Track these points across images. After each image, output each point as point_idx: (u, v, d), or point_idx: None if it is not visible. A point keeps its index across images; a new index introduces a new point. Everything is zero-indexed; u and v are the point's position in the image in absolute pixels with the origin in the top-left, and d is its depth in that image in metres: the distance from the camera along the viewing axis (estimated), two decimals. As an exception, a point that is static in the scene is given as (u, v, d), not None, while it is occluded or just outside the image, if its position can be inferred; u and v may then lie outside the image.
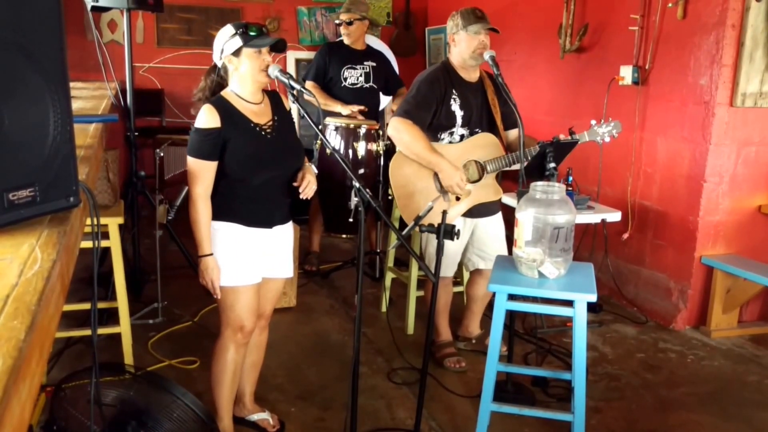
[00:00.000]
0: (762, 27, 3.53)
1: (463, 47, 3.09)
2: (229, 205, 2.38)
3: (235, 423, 2.66)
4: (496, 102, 3.19)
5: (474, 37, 3.06)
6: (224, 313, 2.46)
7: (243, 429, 2.72)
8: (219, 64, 2.42)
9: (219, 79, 2.44)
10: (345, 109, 4.36)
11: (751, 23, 3.50)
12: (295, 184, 2.46)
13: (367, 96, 4.58)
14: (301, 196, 2.45)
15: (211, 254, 2.36)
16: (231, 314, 2.45)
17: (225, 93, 2.41)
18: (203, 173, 2.33)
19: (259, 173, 2.39)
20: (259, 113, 2.43)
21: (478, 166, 3.13)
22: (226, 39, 2.34)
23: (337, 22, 4.62)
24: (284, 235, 2.56)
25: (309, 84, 4.51)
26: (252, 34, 2.31)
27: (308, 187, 2.43)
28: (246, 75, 2.36)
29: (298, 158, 2.50)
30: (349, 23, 4.51)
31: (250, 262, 2.43)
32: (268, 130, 2.43)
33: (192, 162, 2.33)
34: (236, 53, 2.33)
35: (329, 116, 4.36)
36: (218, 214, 2.38)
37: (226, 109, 2.35)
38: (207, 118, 2.32)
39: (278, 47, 2.36)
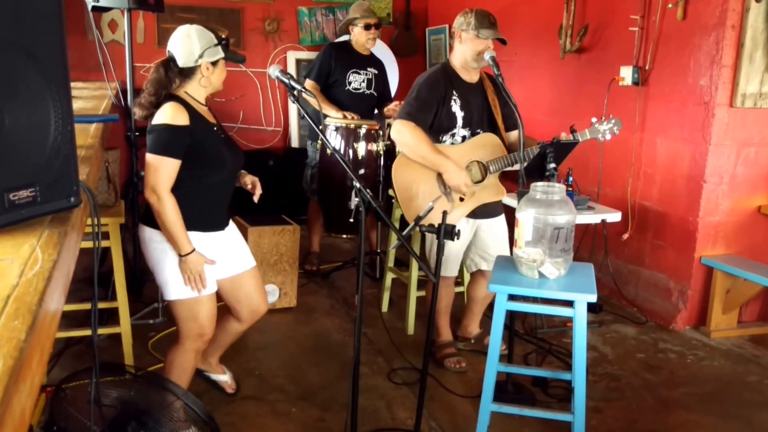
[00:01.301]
0: (762, 28, 3.53)
1: (469, 47, 3.08)
2: (186, 213, 2.34)
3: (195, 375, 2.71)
4: (497, 103, 3.19)
5: (482, 42, 3.06)
6: (185, 324, 2.46)
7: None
8: (185, 65, 2.36)
9: (173, 77, 2.38)
10: (338, 114, 4.32)
11: (750, 24, 3.50)
12: (248, 188, 2.60)
13: (368, 102, 4.59)
14: (255, 200, 2.59)
15: (194, 250, 2.35)
16: (193, 325, 2.45)
17: (181, 94, 2.41)
18: (169, 172, 2.29)
19: (218, 173, 2.43)
20: (209, 116, 2.49)
21: (480, 166, 3.13)
22: (207, 45, 2.35)
23: (363, 25, 4.51)
24: (233, 231, 2.63)
25: (309, 83, 4.48)
26: (229, 48, 2.42)
27: (258, 188, 2.61)
28: (215, 84, 2.45)
29: (242, 160, 2.59)
30: (377, 26, 4.52)
31: (209, 270, 2.44)
32: (220, 132, 2.50)
33: (157, 160, 2.27)
34: (215, 62, 2.40)
35: (329, 116, 4.36)
36: None
37: (190, 109, 2.36)
38: (176, 114, 2.29)
39: (240, 61, 2.54)
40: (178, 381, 2.48)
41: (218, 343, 2.81)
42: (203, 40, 2.36)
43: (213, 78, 2.41)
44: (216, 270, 2.49)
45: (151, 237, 2.40)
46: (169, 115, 2.28)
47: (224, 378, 2.91)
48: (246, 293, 2.64)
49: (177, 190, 2.32)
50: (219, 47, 2.38)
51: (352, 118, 4.30)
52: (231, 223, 2.62)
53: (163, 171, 2.27)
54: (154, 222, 2.35)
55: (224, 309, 2.72)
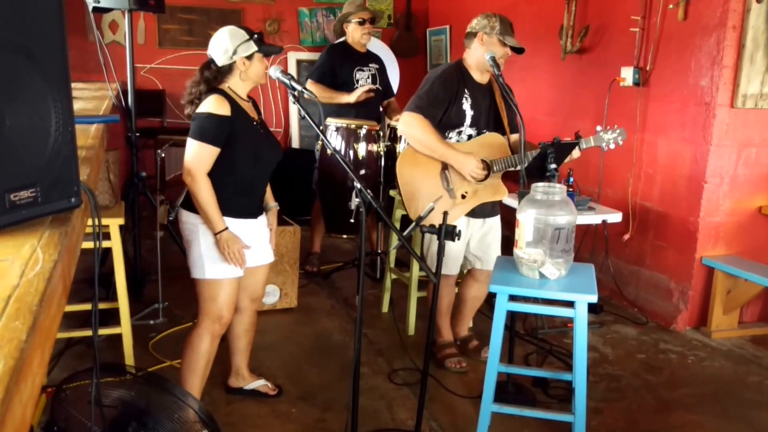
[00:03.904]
0: (763, 28, 3.53)
1: (487, 50, 3.06)
2: (221, 199, 2.47)
3: (231, 394, 2.94)
4: (503, 105, 3.20)
5: (503, 48, 3.08)
6: (205, 304, 2.57)
7: (242, 399, 2.91)
8: (223, 63, 2.52)
9: (212, 76, 2.54)
10: (352, 96, 4.27)
11: (751, 25, 3.50)
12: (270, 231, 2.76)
13: (375, 98, 4.57)
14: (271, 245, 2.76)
15: (226, 228, 2.46)
16: (212, 305, 2.55)
17: (224, 88, 2.55)
18: (207, 158, 2.44)
19: (255, 165, 2.57)
20: (251, 111, 2.62)
21: (485, 164, 3.13)
22: (239, 41, 2.49)
23: (357, 20, 4.46)
24: (263, 223, 2.74)
25: (309, 83, 4.44)
26: (263, 40, 2.54)
27: (273, 237, 2.80)
28: (254, 77, 2.56)
29: (280, 154, 2.73)
30: (372, 21, 4.50)
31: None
32: (260, 126, 2.63)
33: (197, 146, 2.43)
34: (249, 57, 2.51)
35: (331, 117, 4.36)
36: None
37: (231, 101, 2.51)
38: (219, 105, 2.45)
39: (277, 53, 2.66)
40: (192, 365, 2.58)
41: (236, 348, 2.91)
42: (235, 38, 2.50)
43: (251, 72, 2.53)
44: (246, 256, 2.58)
45: (185, 219, 2.56)
46: (212, 105, 2.44)
47: (261, 383, 2.97)
48: (253, 282, 2.76)
49: (214, 175, 2.46)
50: (251, 42, 2.50)
51: (370, 90, 4.29)
52: (263, 215, 2.73)
53: (200, 156, 2.43)
54: (190, 206, 2.51)
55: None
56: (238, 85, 2.57)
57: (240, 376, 2.94)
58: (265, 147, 2.62)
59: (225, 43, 2.50)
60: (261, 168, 2.62)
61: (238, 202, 2.57)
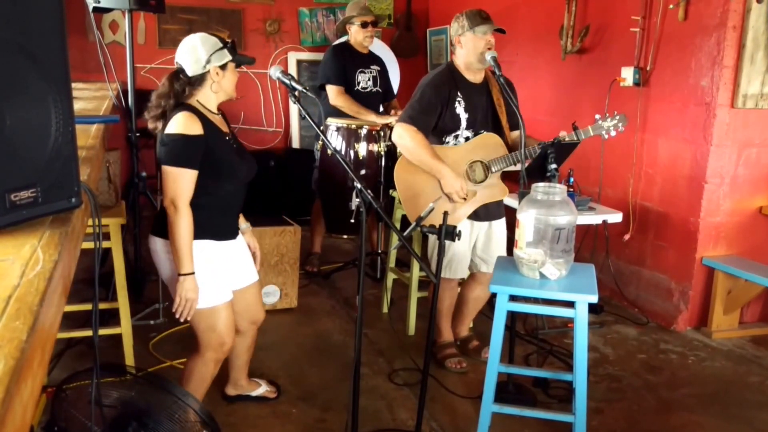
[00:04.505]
0: (763, 29, 3.53)
1: (470, 48, 3.07)
2: (200, 221, 2.33)
3: (231, 401, 2.89)
4: (502, 102, 3.18)
5: (481, 38, 3.05)
6: (205, 335, 2.43)
7: (243, 399, 2.91)
8: (194, 72, 2.33)
9: (181, 88, 2.34)
10: (380, 120, 4.28)
11: (752, 25, 3.50)
12: (251, 249, 2.64)
13: (375, 100, 4.58)
14: (257, 267, 2.64)
15: (193, 273, 2.31)
16: (212, 335, 2.43)
17: (193, 103, 2.37)
18: (188, 183, 2.27)
19: (231, 181, 2.41)
20: (221, 125, 2.45)
21: (483, 166, 3.13)
22: (212, 49, 2.31)
23: (360, 23, 4.46)
24: (242, 242, 2.63)
25: (334, 89, 4.37)
26: (236, 50, 2.38)
27: (258, 257, 2.68)
28: (227, 89, 2.39)
29: (254, 168, 2.55)
30: (374, 24, 4.50)
31: (223, 278, 2.45)
32: (232, 141, 2.47)
33: (177, 172, 2.25)
34: (223, 66, 2.34)
35: (331, 117, 4.36)
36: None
37: (202, 118, 2.33)
38: (190, 124, 2.26)
39: (250, 64, 2.52)
40: (195, 391, 2.45)
41: (236, 365, 2.83)
42: (207, 45, 2.32)
43: (224, 83, 2.36)
44: (231, 279, 2.50)
45: (165, 248, 2.37)
46: (182, 125, 2.25)
47: (261, 389, 2.91)
48: (246, 305, 2.63)
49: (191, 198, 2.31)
50: (225, 50, 2.34)
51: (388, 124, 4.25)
52: (240, 234, 2.62)
53: (182, 182, 2.25)
54: (166, 233, 2.32)
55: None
56: (209, 97, 2.37)
57: (238, 386, 2.89)
58: (240, 163, 2.44)
59: (197, 51, 2.30)
60: (237, 185, 2.46)
61: (216, 222, 2.43)
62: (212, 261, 2.41)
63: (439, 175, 3.04)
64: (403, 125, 3.05)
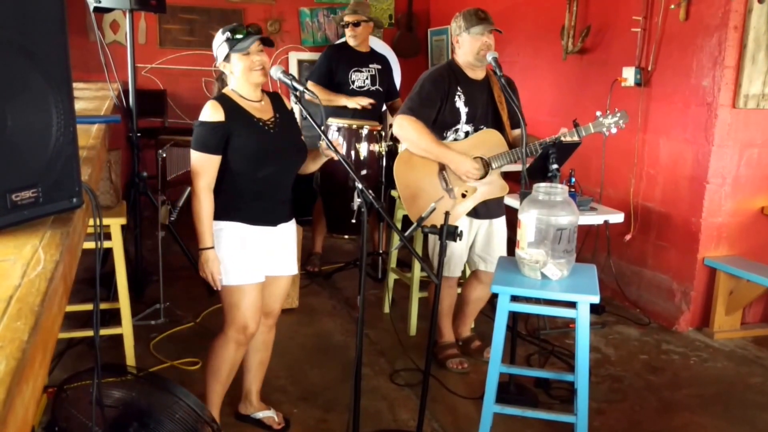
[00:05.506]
0: (764, 29, 3.53)
1: (467, 49, 3.08)
2: (234, 204, 2.42)
3: (240, 420, 2.75)
4: (503, 99, 3.18)
5: (477, 39, 3.05)
6: (229, 312, 2.49)
7: (248, 427, 2.75)
8: (218, 67, 2.52)
9: (221, 84, 2.55)
10: (350, 102, 4.33)
11: (753, 25, 3.50)
12: (330, 154, 2.58)
13: (375, 98, 4.57)
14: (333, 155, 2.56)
15: (212, 247, 2.39)
16: (236, 313, 2.47)
17: (227, 91, 2.49)
18: (207, 167, 2.38)
19: (262, 168, 2.43)
20: (261, 110, 2.49)
21: (483, 162, 3.12)
22: (217, 46, 2.46)
23: (342, 23, 4.56)
24: (288, 233, 2.60)
25: (310, 84, 4.47)
26: (238, 37, 2.41)
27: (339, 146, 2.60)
28: (240, 76, 2.45)
29: (301, 155, 2.57)
30: (356, 24, 4.49)
31: (254, 260, 2.47)
32: (271, 126, 2.49)
33: (196, 156, 2.39)
34: (227, 58, 2.45)
35: (332, 117, 4.35)
36: (222, 213, 2.41)
37: (229, 105, 2.42)
38: (211, 111, 2.39)
39: (265, 43, 2.46)
40: (215, 371, 2.53)
41: (246, 366, 2.74)
42: (216, 43, 2.47)
43: (236, 73, 2.46)
44: (263, 264, 2.50)
45: (217, 224, 2.49)
46: (205, 112, 2.40)
47: (269, 414, 2.79)
48: (271, 293, 2.62)
49: (221, 182, 2.40)
50: (224, 44, 2.43)
51: (369, 104, 4.34)
52: (290, 224, 2.60)
53: (200, 165, 2.37)
54: (219, 211, 2.43)
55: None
56: (241, 85, 2.46)
57: (248, 401, 2.78)
58: (274, 146, 2.45)
59: (214, 50, 2.49)
60: (271, 171, 2.45)
61: (248, 206, 2.45)
62: (244, 241, 2.44)
63: (447, 159, 3.03)
64: (403, 116, 3.05)
